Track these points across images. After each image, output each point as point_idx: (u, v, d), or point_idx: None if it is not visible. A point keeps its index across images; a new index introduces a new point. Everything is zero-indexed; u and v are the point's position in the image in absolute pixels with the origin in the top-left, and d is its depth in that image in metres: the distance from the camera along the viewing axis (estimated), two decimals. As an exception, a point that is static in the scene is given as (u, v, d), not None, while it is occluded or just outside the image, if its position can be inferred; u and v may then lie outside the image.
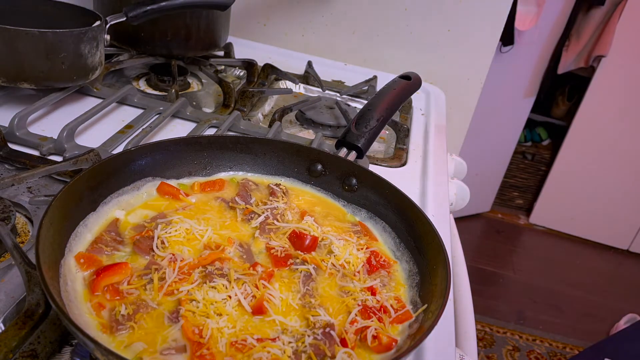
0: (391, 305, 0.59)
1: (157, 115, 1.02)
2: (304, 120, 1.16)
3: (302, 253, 0.65)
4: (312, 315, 0.56)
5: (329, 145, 1.03)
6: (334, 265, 0.64)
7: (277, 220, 0.70)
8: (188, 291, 0.55)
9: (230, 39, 1.40)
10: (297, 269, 0.62)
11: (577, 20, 2.80)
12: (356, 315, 0.57)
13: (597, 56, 2.80)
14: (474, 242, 3.19)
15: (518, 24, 2.43)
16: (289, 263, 0.63)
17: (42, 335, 0.51)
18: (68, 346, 0.53)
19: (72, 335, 0.50)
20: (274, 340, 0.52)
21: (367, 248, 0.68)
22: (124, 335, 0.50)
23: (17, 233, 0.67)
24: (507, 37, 2.47)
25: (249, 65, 1.33)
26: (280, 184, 0.77)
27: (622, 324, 2.59)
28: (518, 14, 2.39)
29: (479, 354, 2.27)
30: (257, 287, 0.57)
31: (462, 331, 0.91)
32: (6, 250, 0.62)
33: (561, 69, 2.90)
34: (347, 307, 0.58)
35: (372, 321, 0.56)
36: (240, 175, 0.79)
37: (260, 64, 1.35)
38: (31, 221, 0.69)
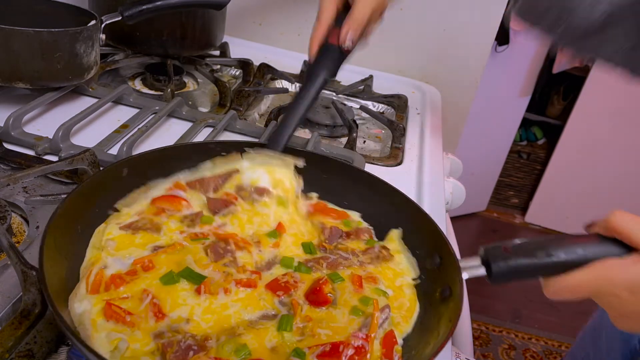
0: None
1: (153, 115, 1.02)
2: (300, 120, 1.15)
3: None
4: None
5: (325, 145, 1.03)
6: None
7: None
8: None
9: (226, 38, 1.40)
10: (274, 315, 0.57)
11: (572, 20, 2.81)
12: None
13: (592, 55, 2.80)
14: (469, 242, 3.20)
15: (513, 24, 2.44)
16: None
17: (39, 335, 0.51)
18: (64, 346, 0.53)
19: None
20: None
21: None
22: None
23: (12, 233, 0.66)
24: (503, 36, 2.48)
25: (244, 64, 1.33)
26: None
27: (617, 322, 2.60)
28: (513, 14, 2.39)
29: (475, 352, 2.28)
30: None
31: (458, 330, 0.91)
32: (2, 250, 0.62)
33: (556, 69, 2.91)
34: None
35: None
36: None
37: (256, 63, 1.35)
38: (27, 221, 0.69)
